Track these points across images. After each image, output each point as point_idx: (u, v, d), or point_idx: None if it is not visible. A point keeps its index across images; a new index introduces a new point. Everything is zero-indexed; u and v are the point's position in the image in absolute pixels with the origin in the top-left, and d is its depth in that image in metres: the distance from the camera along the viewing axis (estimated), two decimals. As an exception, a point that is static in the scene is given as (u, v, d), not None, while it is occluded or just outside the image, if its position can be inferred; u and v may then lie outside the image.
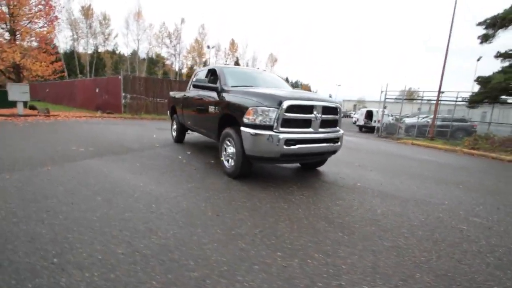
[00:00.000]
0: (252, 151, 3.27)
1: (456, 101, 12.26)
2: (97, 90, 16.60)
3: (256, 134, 3.16)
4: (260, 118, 3.20)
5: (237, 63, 56.17)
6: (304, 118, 3.34)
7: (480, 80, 9.27)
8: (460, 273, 1.80)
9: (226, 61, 56.34)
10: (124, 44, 55.51)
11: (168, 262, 1.71)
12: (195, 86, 4.34)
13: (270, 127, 3.19)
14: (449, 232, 2.45)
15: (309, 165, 4.51)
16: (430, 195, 3.57)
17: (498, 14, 9.17)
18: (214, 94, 4.28)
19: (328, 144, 3.60)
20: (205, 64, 56.42)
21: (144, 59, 48.10)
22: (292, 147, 3.23)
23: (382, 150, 7.74)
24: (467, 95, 11.86)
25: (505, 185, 4.59)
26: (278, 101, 3.18)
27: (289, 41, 78.22)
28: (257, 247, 1.96)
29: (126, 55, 48.47)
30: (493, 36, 9.65)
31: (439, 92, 12.45)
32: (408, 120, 15.31)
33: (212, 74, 4.85)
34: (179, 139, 6.48)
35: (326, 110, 3.53)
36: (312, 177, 4.10)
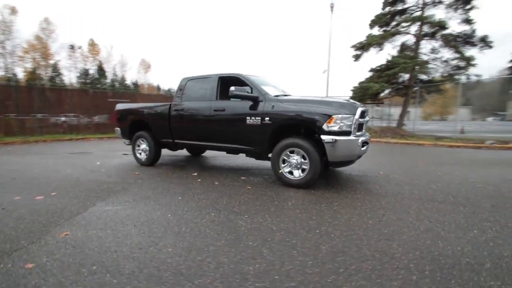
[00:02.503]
0: (337, 157, 3.40)
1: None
2: None
3: (343, 141, 3.32)
4: (340, 125, 3.38)
5: (101, 68, 47.68)
6: (363, 122, 3.80)
7: (359, 88, 12.79)
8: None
9: (85, 65, 46.52)
10: None
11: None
12: (233, 96, 3.83)
13: (349, 133, 3.43)
14: (481, 190, 3.59)
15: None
16: (424, 172, 4.87)
17: (364, 40, 13.01)
18: (248, 104, 3.96)
19: (368, 144, 4.21)
20: (55, 67, 44.36)
21: None
22: (363, 148, 3.62)
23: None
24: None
25: (434, 158, 6.79)
26: (354, 108, 3.48)
27: (164, 47, 73.04)
28: (439, 237, 2.25)
29: None
30: (360, 56, 13.55)
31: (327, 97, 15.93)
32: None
33: (224, 82, 4.40)
34: (153, 161, 5.31)
35: (366, 114, 4.13)
36: (344, 174, 4.60)
